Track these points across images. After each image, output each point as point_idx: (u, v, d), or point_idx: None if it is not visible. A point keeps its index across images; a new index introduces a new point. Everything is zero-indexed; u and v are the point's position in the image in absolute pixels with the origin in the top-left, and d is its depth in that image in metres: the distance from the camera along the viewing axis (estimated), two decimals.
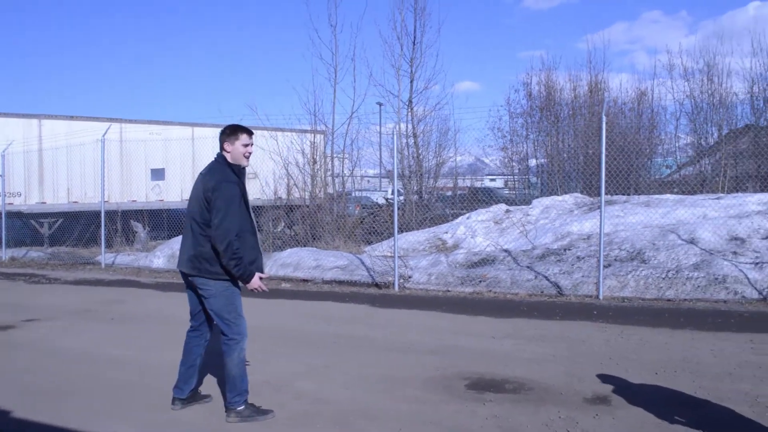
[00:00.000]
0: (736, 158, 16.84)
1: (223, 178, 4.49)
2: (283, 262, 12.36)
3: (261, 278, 4.59)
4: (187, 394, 4.83)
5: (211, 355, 5.02)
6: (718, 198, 12.68)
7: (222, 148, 4.65)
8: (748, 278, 8.92)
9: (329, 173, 17.71)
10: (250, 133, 4.69)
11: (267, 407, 4.71)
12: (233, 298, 4.58)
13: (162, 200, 19.02)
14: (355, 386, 5.37)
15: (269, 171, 16.36)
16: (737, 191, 14.38)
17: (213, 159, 4.71)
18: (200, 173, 4.69)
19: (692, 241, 10.16)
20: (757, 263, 9.32)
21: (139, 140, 17.86)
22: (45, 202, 17.87)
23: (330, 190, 17.47)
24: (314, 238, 15.16)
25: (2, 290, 11.42)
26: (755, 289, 8.71)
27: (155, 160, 18.81)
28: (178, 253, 4.94)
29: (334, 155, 18.04)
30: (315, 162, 16.98)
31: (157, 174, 18.90)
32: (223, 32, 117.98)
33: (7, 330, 7.86)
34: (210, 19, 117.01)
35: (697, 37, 59.84)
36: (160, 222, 17.02)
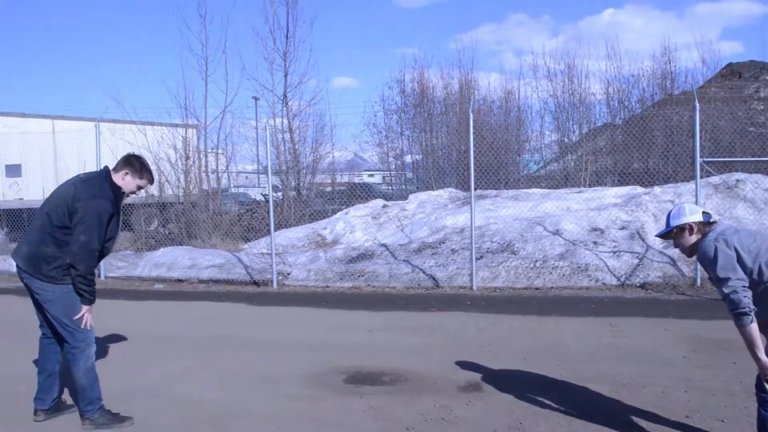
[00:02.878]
0: (595, 155, 18.00)
1: (100, 194, 4.27)
2: (156, 262, 11.87)
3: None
4: (50, 404, 4.51)
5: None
6: (580, 192, 13.48)
7: (117, 169, 4.44)
8: (607, 266, 9.56)
9: (203, 169, 17.18)
10: (152, 181, 4.61)
11: (141, 413, 4.51)
12: (75, 302, 4.26)
13: (22, 199, 17.70)
14: (232, 387, 5.24)
15: None
16: (597, 185, 15.37)
17: (99, 169, 4.55)
18: (77, 177, 4.46)
19: (557, 233, 10.74)
20: (615, 252, 10.00)
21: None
22: None
23: (205, 186, 16.95)
24: (190, 237, 14.65)
25: None
26: (614, 275, 9.34)
27: (11, 156, 17.44)
28: None
29: (208, 150, 17.52)
30: (188, 157, 16.41)
31: (13, 170, 17.52)
32: (86, 19, 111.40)
33: None
34: (71, 4, 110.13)
35: (559, 39, 63.49)
36: (20, 222, 15.84)
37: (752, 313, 3.17)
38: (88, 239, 4.14)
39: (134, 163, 4.45)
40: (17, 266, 4.38)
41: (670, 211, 3.61)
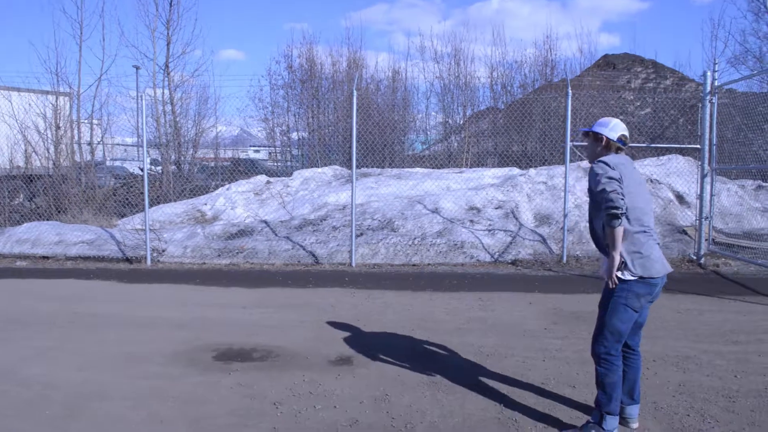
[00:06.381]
0: (478, 137, 18.52)
1: None
2: (19, 238, 11.10)
3: None
4: None
5: None
6: (460, 172, 13.83)
7: None
8: (482, 243, 9.88)
9: (75, 140, 16.20)
10: None
11: None
12: None
13: None
14: (91, 367, 5.00)
15: (2, 136, 14.55)
16: (478, 166, 15.83)
17: None
18: None
19: (436, 211, 10.98)
20: (490, 230, 10.36)
21: None
22: None
23: (77, 158, 16.00)
24: (59, 212, 13.80)
25: None
26: (488, 252, 9.68)
27: None
28: None
29: (81, 120, 16.53)
30: (59, 128, 15.41)
31: None
32: None
33: None
34: None
35: (448, 23, 64.51)
36: None
37: (622, 217, 3.42)
38: None
39: None
40: None
41: (602, 119, 3.84)
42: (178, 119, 16.66)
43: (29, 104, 14.90)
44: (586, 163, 12.41)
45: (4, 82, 15.06)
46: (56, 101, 15.52)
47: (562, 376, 4.67)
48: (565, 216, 9.60)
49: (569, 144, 9.57)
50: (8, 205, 14.89)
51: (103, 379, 4.75)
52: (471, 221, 10.72)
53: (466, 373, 4.75)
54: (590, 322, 5.86)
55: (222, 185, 14.65)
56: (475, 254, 9.66)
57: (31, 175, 15.38)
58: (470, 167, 15.85)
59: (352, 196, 9.53)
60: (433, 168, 15.31)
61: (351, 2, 72.56)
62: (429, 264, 9.41)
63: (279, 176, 15.50)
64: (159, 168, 16.04)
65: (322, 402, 4.27)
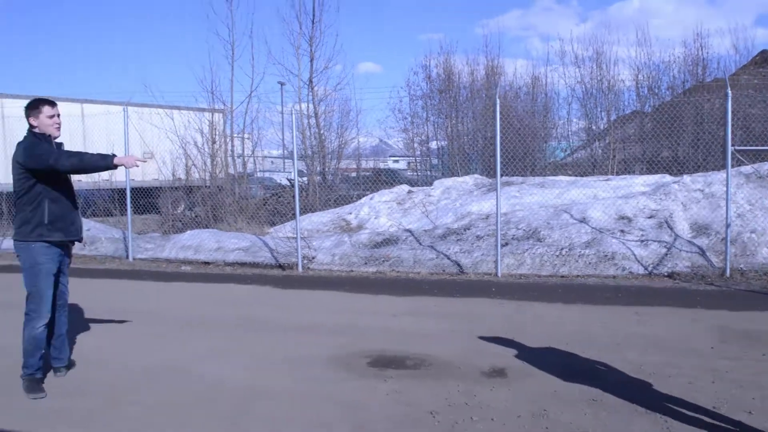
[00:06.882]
0: (624, 142, 17.75)
1: (31, 144, 4.59)
2: (183, 245, 11.99)
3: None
4: (67, 361, 5.07)
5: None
6: (607, 179, 13.32)
7: (29, 124, 4.69)
8: (634, 255, 9.45)
9: (229, 153, 17.30)
10: (52, 104, 4.73)
11: (165, 390, 4.69)
12: (35, 269, 4.59)
13: None
14: (256, 368, 5.29)
15: (166, 151, 15.79)
16: (625, 173, 15.16)
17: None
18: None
19: (584, 221, 10.63)
20: (642, 241, 9.88)
21: (22, 117, 16.69)
22: None
23: (231, 170, 17.08)
24: (216, 220, 14.79)
25: None
26: (641, 264, 9.23)
27: None
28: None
29: (234, 135, 17.63)
30: (214, 142, 16.53)
31: None
32: (113, 4, 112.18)
33: None
34: None
35: (587, 25, 62.52)
36: None
37: None
38: (51, 158, 4.49)
39: (28, 106, 4.74)
40: None
41: None
42: (322, 131, 17.32)
43: (188, 121, 16.08)
44: (748, 169, 11.53)
45: (167, 102, 16.36)
46: (212, 117, 16.65)
47: (735, 400, 4.33)
48: (727, 226, 8.96)
49: (730, 148, 8.92)
50: (171, 214, 16.14)
51: (269, 379, 5.01)
52: (621, 231, 10.28)
53: (628, 392, 4.53)
54: (765, 342, 5.47)
55: (364, 195, 15.05)
56: (627, 266, 9.24)
57: (190, 186, 16.59)
58: (616, 174, 15.23)
59: (497, 205, 9.45)
60: (576, 176, 14.86)
61: (484, 10, 72.40)
62: (578, 275, 9.12)
63: (419, 186, 15.68)
64: (304, 179, 16.74)
65: (479, 414, 4.24)
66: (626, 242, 9.81)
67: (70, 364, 5.13)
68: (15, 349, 4.87)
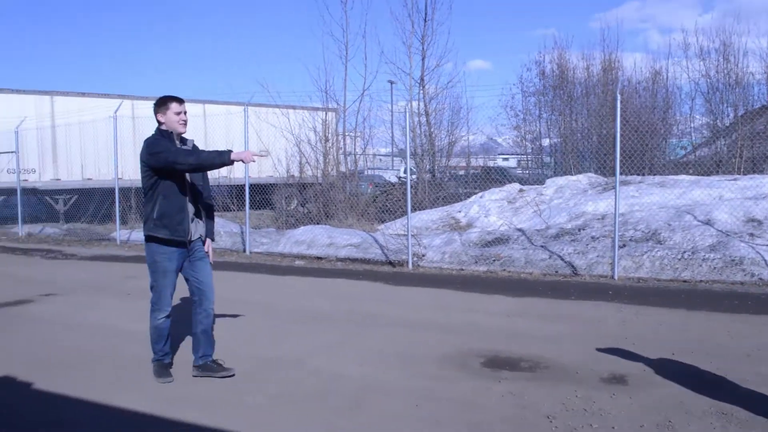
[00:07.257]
0: (752, 139, 16.62)
1: (152, 141, 4.74)
2: (297, 240, 12.38)
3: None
4: (199, 362, 5.01)
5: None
6: (734, 179, 12.55)
7: (157, 121, 4.85)
8: (765, 260, 8.85)
9: (341, 151, 17.67)
10: (180, 101, 4.83)
11: (280, 382, 4.85)
12: (154, 266, 4.78)
13: None
14: (370, 363, 5.38)
15: (281, 149, 16.34)
16: (753, 173, 14.22)
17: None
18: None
19: (708, 223, 10.07)
20: None
21: (150, 117, 17.74)
22: (59, 179, 17.95)
23: (342, 168, 17.44)
24: (327, 216, 15.17)
25: (20, 265, 11.53)
26: None
27: None
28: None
29: (346, 133, 17.98)
30: (327, 140, 16.94)
31: None
32: (233, 8, 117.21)
33: (25, 304, 7.93)
34: None
35: (713, 16, 58.77)
36: None
37: None
38: (166, 154, 4.61)
39: (157, 103, 4.86)
40: None
41: None
42: (432, 129, 17.34)
43: (303, 120, 16.57)
44: None
45: (283, 102, 16.92)
46: (325, 116, 17.06)
47: None
48: None
49: None
50: (285, 210, 16.69)
51: (382, 375, 5.08)
52: (750, 235, 9.65)
53: (762, 407, 4.25)
54: None
55: (473, 193, 14.95)
56: (757, 272, 8.66)
57: (303, 183, 17.09)
58: (744, 174, 14.30)
59: (615, 205, 9.12)
60: (699, 175, 14.08)
61: (599, 3, 69.77)
62: (701, 281, 8.64)
63: (530, 184, 15.39)
64: (414, 176, 16.83)
65: (598, 421, 4.12)
66: (756, 246, 9.20)
67: (205, 366, 4.98)
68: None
